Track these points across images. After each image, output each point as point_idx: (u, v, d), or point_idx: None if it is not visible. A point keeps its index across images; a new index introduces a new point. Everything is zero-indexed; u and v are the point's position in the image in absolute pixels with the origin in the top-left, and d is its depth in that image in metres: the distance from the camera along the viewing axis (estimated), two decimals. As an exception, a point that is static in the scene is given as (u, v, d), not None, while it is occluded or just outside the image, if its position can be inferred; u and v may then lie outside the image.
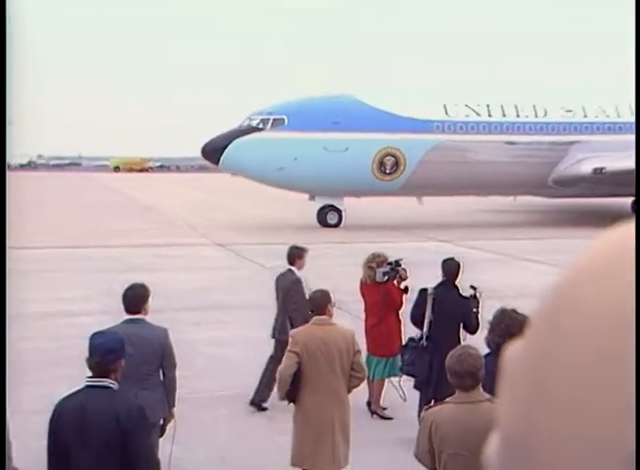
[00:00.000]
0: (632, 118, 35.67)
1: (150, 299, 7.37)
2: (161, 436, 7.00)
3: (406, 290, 9.91)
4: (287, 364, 6.69)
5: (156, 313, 7.52)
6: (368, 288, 10.01)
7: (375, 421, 9.78)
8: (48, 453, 5.30)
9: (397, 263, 9.88)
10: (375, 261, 9.91)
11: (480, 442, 3.36)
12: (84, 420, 5.18)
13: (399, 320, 9.87)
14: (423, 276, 10.23)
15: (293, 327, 9.62)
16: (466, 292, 9.34)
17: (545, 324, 0.58)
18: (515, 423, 0.59)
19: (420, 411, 9.10)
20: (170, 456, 6.79)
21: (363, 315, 10.30)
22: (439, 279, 9.48)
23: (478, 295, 9.23)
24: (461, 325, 9.06)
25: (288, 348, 6.85)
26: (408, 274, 9.95)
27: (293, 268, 10.56)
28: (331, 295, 7.33)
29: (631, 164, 32.40)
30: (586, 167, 34.31)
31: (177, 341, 7.34)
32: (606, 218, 34.28)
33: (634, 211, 36.35)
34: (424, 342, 9.06)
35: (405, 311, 9.75)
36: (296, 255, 10.71)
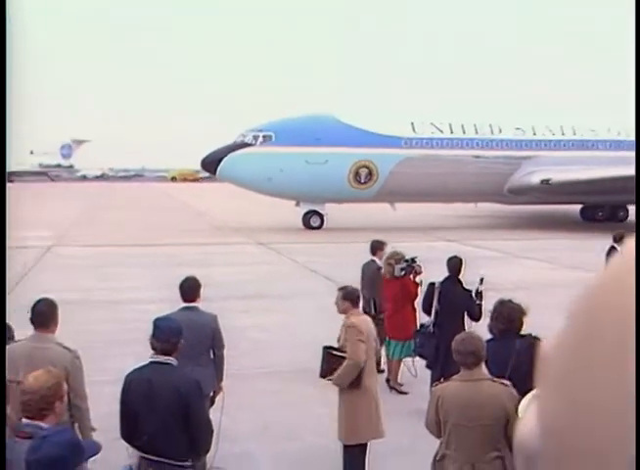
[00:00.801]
0: (574, 137, 36.50)
1: (201, 289, 7.39)
2: (212, 406, 7.00)
3: (420, 283, 9.91)
4: (361, 353, 6.54)
5: (206, 302, 7.52)
6: (387, 281, 10.01)
7: (393, 395, 9.79)
8: (120, 418, 5.37)
9: (413, 260, 9.89)
10: (393, 259, 9.93)
11: (478, 414, 3.44)
12: (151, 391, 5.23)
13: (414, 309, 9.87)
14: (435, 271, 10.17)
15: (376, 307, 10.03)
16: (470, 285, 9.33)
17: (579, 323, 0.57)
18: (552, 410, 0.58)
19: (432, 387, 9.12)
20: (220, 424, 6.77)
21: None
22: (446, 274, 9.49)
23: (481, 288, 9.21)
24: (465, 314, 9.05)
25: (357, 337, 6.60)
26: (422, 269, 9.95)
27: (375, 258, 10.69)
28: None
29: (572, 176, 33.32)
30: (535, 179, 34.57)
31: (225, 325, 7.34)
32: (560, 222, 34.50)
33: (583, 218, 37.36)
34: (431, 328, 9.11)
35: (420, 302, 9.74)
36: (377, 247, 10.99)
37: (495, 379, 5.10)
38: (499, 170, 34.70)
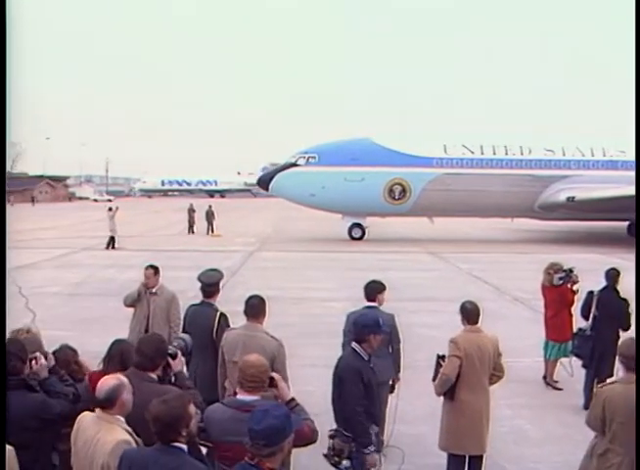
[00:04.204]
0: (603, 157, 34.20)
1: (385, 292, 7.34)
2: (391, 393, 7.01)
3: (577, 291, 9.55)
4: (452, 367, 6.07)
5: (384, 302, 7.51)
6: (547, 289, 9.71)
7: (549, 391, 9.58)
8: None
9: (571, 270, 9.55)
10: (553, 269, 9.62)
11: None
12: (336, 371, 5.44)
13: (571, 314, 9.53)
14: (591, 280, 9.79)
15: None
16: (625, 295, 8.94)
17: None
18: None
19: (586, 385, 8.86)
20: (396, 408, 6.82)
21: (542, 309, 10.03)
22: (600, 283, 9.11)
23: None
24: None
25: (452, 353, 6.15)
26: (579, 279, 9.59)
27: None
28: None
29: (594, 194, 31.79)
30: (562, 196, 32.91)
31: (400, 322, 7.32)
32: (606, 239, 32.64)
33: (629, 234, 34.47)
34: (589, 332, 8.81)
35: (576, 308, 9.41)
36: None
37: None
38: (528, 188, 33.23)
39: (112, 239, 28.27)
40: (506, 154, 33.78)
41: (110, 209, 29.48)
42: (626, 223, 34.95)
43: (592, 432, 5.21)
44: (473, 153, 33.64)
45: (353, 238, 32.92)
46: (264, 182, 34.49)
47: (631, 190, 28.89)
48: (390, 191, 32.78)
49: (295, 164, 33.42)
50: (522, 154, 33.89)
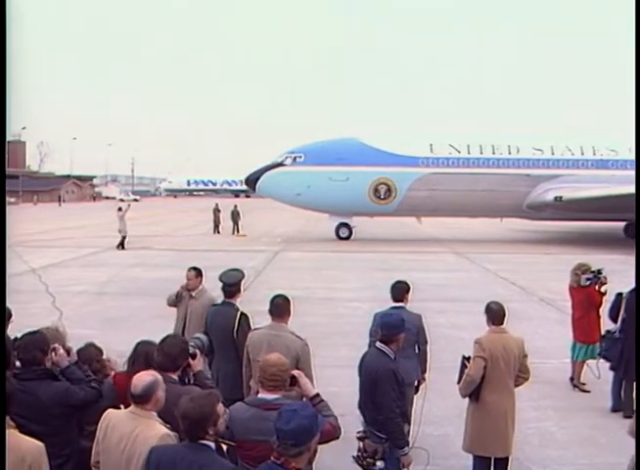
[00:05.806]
0: (594, 156, 33.70)
1: (410, 292, 7.30)
2: (416, 393, 6.99)
3: (605, 293, 9.45)
4: (476, 369, 6.00)
5: (409, 302, 7.47)
6: (574, 290, 9.61)
7: (575, 393, 9.48)
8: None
9: (599, 271, 9.45)
10: (580, 269, 9.52)
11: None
12: (363, 370, 5.47)
13: (599, 316, 9.44)
14: (619, 281, 9.69)
15: None
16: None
17: None
18: None
19: (613, 388, 8.78)
20: (422, 409, 6.79)
21: (569, 311, 9.95)
22: (629, 284, 8.99)
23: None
24: None
25: (475, 354, 6.08)
26: (607, 280, 9.49)
27: None
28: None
29: (581, 194, 31.54)
30: (550, 196, 32.64)
31: (426, 324, 7.28)
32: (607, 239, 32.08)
33: (626, 234, 34.01)
34: (617, 334, 8.69)
35: (604, 309, 9.31)
36: None
37: None
38: (516, 188, 32.92)
39: (123, 238, 28.35)
40: (493, 153, 33.64)
41: (119, 209, 29.49)
42: (623, 224, 34.60)
43: (619, 435, 5.16)
44: (459, 152, 33.52)
45: (341, 238, 33.01)
46: (251, 182, 34.64)
47: (618, 190, 28.90)
48: (375, 191, 32.85)
49: (281, 164, 33.58)
50: (509, 153, 33.71)
